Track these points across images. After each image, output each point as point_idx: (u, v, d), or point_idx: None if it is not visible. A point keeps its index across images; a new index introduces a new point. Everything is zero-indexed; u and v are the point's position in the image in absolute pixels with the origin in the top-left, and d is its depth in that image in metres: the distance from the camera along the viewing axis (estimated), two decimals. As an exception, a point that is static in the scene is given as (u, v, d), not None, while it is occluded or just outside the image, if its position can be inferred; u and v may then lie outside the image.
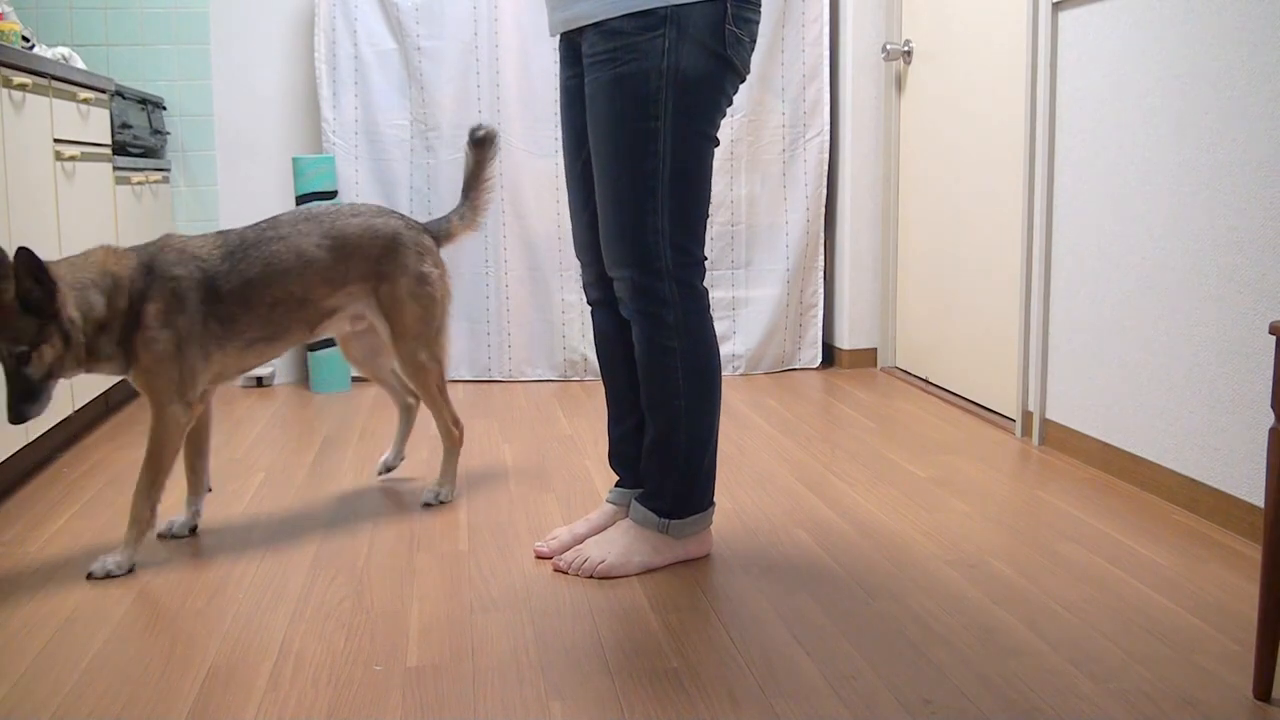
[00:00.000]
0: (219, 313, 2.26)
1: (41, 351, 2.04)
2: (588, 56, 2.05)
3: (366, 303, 2.49)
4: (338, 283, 2.43)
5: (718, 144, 2.10)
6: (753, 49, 2.08)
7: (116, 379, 3.37)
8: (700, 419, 2.12)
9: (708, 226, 2.14)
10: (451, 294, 2.61)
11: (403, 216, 2.56)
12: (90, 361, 2.16)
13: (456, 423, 2.62)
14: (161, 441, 2.21)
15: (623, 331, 2.19)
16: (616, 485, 2.32)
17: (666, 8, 1.95)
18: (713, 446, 2.16)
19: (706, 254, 2.13)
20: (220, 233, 2.35)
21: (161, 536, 2.38)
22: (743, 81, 2.10)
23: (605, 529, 2.23)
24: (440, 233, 2.62)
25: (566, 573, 2.13)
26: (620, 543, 2.14)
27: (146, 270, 2.20)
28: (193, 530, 2.42)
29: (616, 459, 2.32)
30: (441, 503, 2.58)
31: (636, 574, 2.12)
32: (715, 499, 2.21)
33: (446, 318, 2.58)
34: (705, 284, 2.13)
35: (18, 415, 2.05)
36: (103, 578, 2.14)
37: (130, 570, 2.18)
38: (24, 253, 1.97)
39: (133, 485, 2.75)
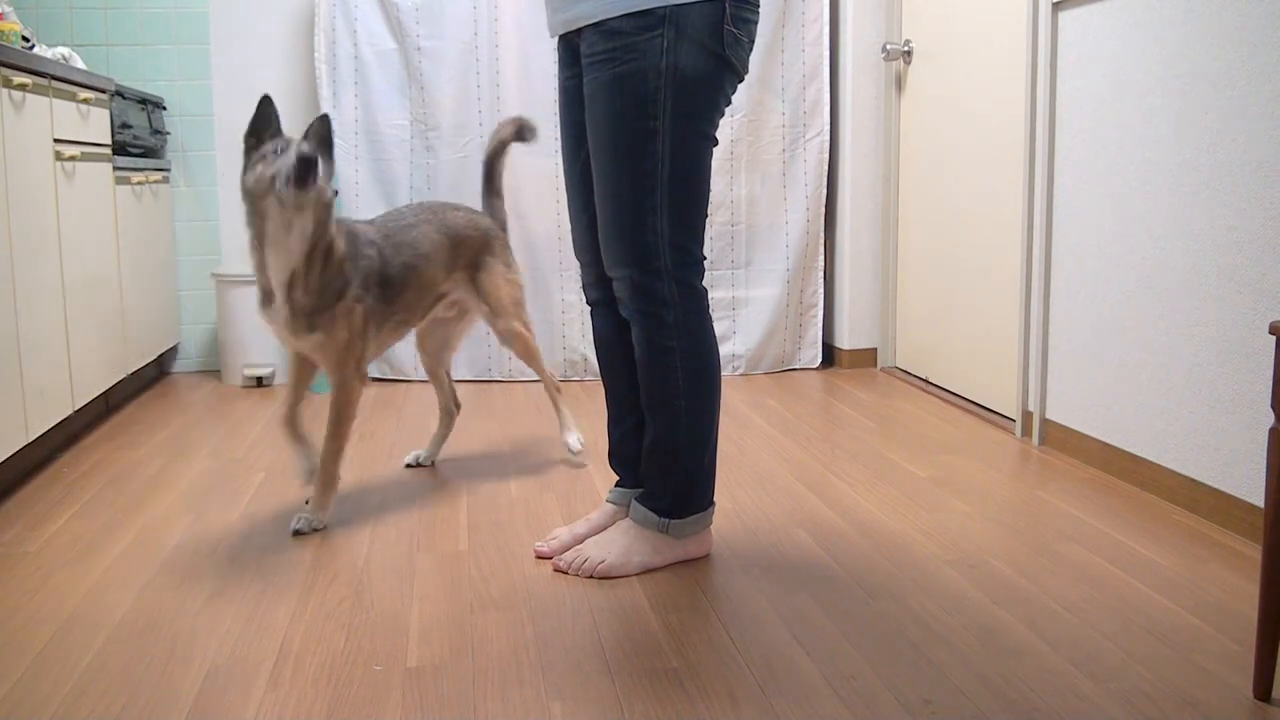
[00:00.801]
0: (384, 294, 2.51)
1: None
2: (586, 57, 2.05)
3: (466, 289, 2.77)
4: (450, 269, 2.71)
5: (716, 144, 2.09)
6: (751, 49, 2.08)
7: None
8: (700, 419, 2.12)
9: (707, 226, 2.14)
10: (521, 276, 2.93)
11: (479, 210, 2.86)
12: (302, 276, 2.34)
13: (556, 386, 2.97)
14: (344, 409, 2.45)
15: (622, 332, 2.19)
16: (616, 485, 2.32)
17: (665, 8, 1.95)
18: (713, 446, 2.16)
19: (706, 254, 2.12)
20: (366, 221, 2.62)
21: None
22: (741, 81, 2.10)
23: (605, 529, 2.23)
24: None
25: (566, 573, 2.13)
26: (620, 543, 2.14)
27: (352, 246, 2.45)
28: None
29: (616, 459, 2.32)
30: (581, 448, 2.90)
31: (636, 574, 2.12)
32: (715, 499, 2.21)
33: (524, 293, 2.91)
34: (705, 284, 2.13)
35: (310, 159, 2.23)
36: (308, 532, 2.39)
37: (323, 528, 2.41)
38: (324, 119, 2.36)
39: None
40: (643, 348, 2.11)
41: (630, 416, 2.26)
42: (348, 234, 2.46)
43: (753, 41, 2.07)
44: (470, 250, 2.75)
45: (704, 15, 1.96)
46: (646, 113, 1.99)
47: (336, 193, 2.47)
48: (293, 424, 2.54)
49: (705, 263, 2.12)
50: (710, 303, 2.15)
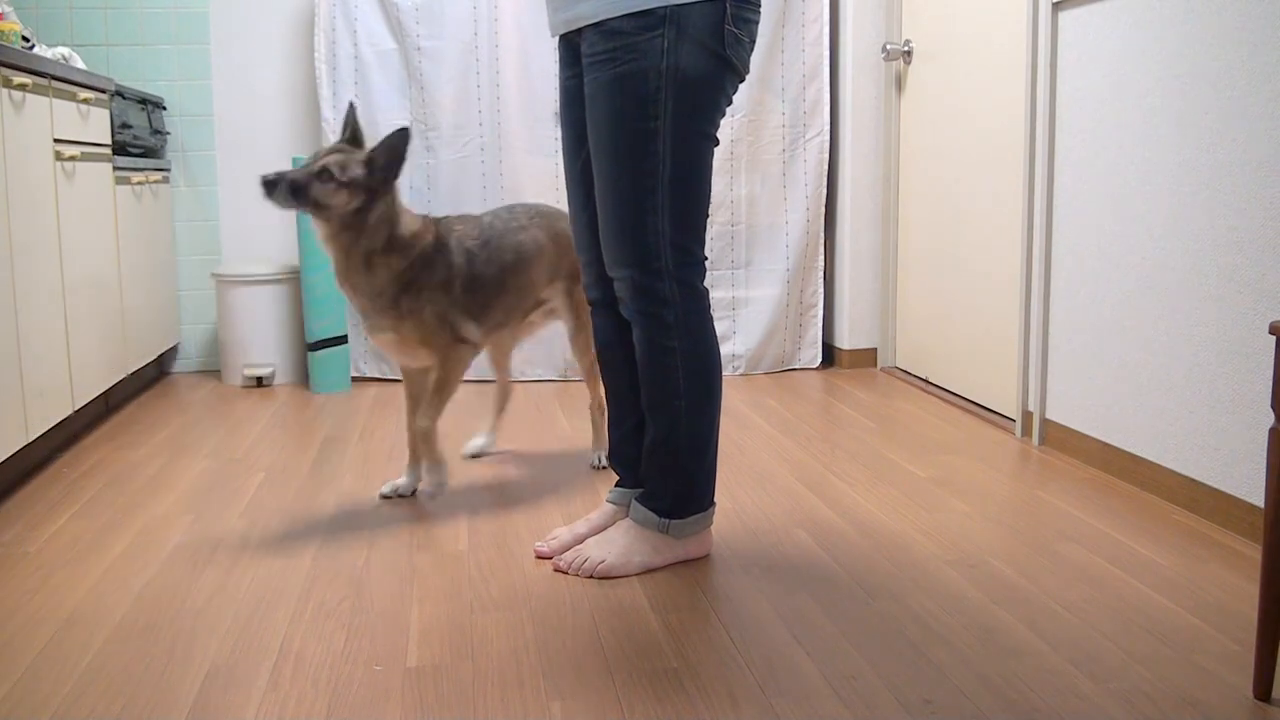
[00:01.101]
0: (473, 297, 2.53)
1: (338, 190, 2.34)
2: (587, 56, 2.05)
3: (562, 299, 2.73)
4: (552, 277, 2.70)
5: (717, 143, 2.09)
6: (752, 49, 2.08)
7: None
8: (701, 419, 2.12)
9: (708, 226, 2.14)
10: None
11: None
12: (363, 273, 2.42)
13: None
14: (445, 375, 2.54)
15: (623, 332, 2.19)
16: (616, 485, 2.32)
17: (666, 8, 1.94)
18: (713, 446, 2.16)
19: (707, 254, 2.12)
20: (475, 217, 2.64)
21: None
22: (742, 81, 2.10)
23: (605, 529, 2.23)
24: None
25: (566, 572, 2.13)
26: (620, 543, 2.14)
27: (436, 250, 2.49)
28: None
29: (617, 459, 2.32)
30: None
31: (636, 574, 2.12)
32: (715, 499, 2.21)
33: None
34: (705, 284, 2.13)
35: (271, 182, 2.32)
36: (434, 495, 2.56)
37: (443, 489, 2.59)
38: (404, 134, 2.38)
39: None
40: (643, 348, 2.11)
41: (630, 417, 2.26)
42: (437, 237, 2.48)
43: (754, 41, 2.07)
44: (573, 261, 2.66)
45: (705, 15, 1.96)
46: (647, 113, 1.99)
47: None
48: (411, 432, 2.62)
49: (706, 263, 2.12)
50: (710, 303, 2.15)
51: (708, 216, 2.12)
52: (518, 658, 1.78)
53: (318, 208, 2.36)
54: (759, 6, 2.06)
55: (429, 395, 2.57)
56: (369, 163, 2.38)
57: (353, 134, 2.46)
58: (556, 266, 2.70)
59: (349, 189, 2.35)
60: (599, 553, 2.13)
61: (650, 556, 2.14)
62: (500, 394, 3.05)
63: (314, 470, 2.88)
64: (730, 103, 2.10)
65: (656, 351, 2.09)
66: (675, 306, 2.07)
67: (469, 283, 2.53)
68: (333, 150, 2.40)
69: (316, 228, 2.43)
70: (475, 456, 2.99)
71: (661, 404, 2.11)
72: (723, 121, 2.11)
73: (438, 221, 2.56)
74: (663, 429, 2.12)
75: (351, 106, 2.52)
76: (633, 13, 1.96)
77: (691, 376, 2.09)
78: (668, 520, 2.13)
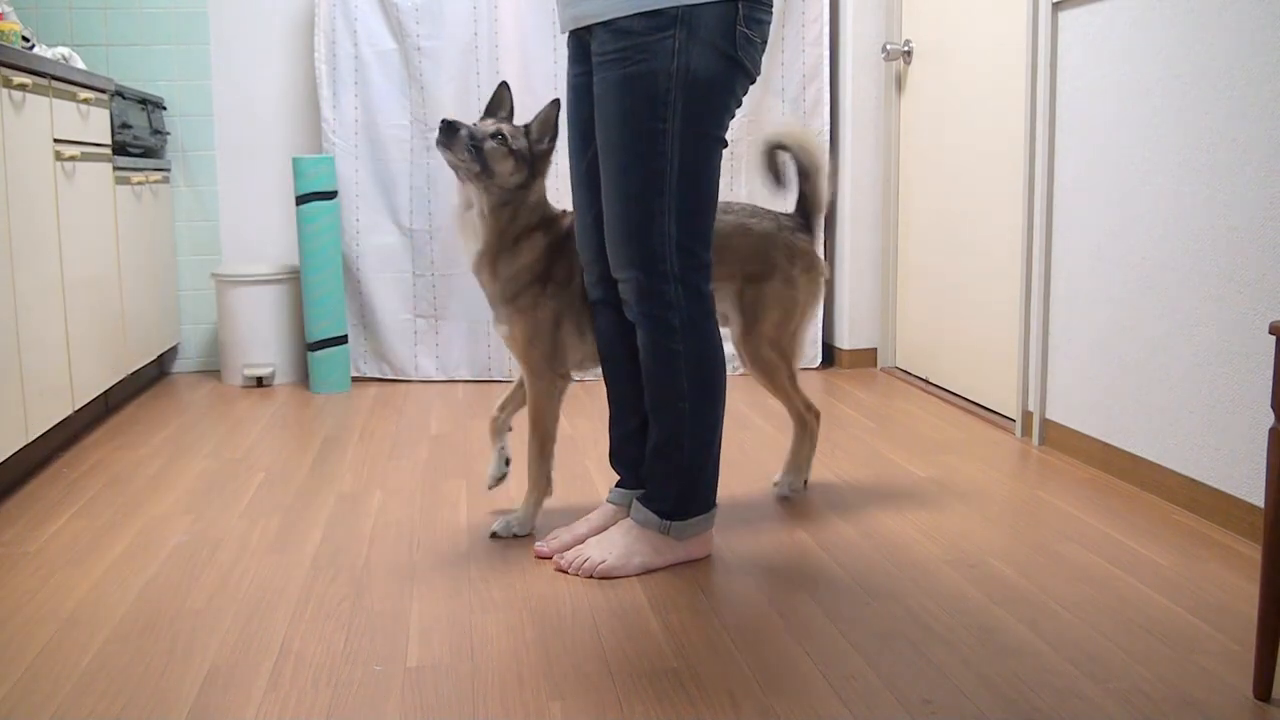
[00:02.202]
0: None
1: (507, 156, 2.21)
2: (597, 55, 2.04)
3: (731, 302, 2.46)
4: None
5: (726, 145, 2.08)
6: (764, 50, 2.06)
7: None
8: (704, 422, 2.12)
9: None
10: (819, 294, 2.54)
11: (777, 216, 2.49)
12: (497, 253, 2.28)
13: (810, 408, 2.59)
14: (534, 409, 2.32)
15: (625, 332, 2.19)
16: (617, 485, 2.32)
17: (677, 8, 1.93)
18: (716, 449, 2.16)
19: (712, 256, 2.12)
20: None
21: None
22: (753, 83, 2.08)
23: (606, 529, 2.23)
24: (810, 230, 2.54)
25: (567, 572, 2.13)
26: (621, 543, 2.14)
27: (567, 241, 2.32)
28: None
29: (618, 459, 2.32)
30: (793, 493, 2.60)
31: (636, 574, 2.12)
32: (717, 499, 2.21)
33: (806, 320, 2.53)
34: (710, 286, 2.12)
35: (453, 127, 2.18)
36: (507, 536, 2.33)
37: (529, 533, 2.35)
38: (555, 104, 2.27)
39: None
40: (648, 350, 2.11)
41: (633, 418, 2.26)
42: (568, 228, 2.33)
43: (765, 42, 2.06)
44: (735, 259, 2.41)
45: (717, 16, 1.95)
46: (656, 114, 1.98)
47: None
48: (494, 421, 2.49)
49: (710, 266, 2.12)
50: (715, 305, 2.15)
51: (715, 219, 2.11)
52: (518, 658, 1.78)
53: (484, 170, 2.22)
54: (770, 7, 2.04)
55: (529, 437, 2.34)
56: (526, 134, 2.27)
57: (509, 113, 2.34)
58: (716, 266, 2.38)
59: (515, 159, 2.23)
60: (599, 553, 2.13)
61: (651, 557, 2.14)
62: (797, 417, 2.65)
63: (314, 470, 2.88)
64: (740, 104, 2.08)
65: (661, 354, 2.09)
66: (680, 310, 2.06)
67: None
68: (498, 120, 2.29)
69: (475, 199, 2.26)
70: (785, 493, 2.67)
71: (665, 406, 2.11)
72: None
73: (568, 212, 2.39)
74: (666, 431, 2.12)
75: (504, 85, 2.36)
76: (643, 12, 1.94)
77: (695, 379, 2.09)
78: (669, 521, 2.13)
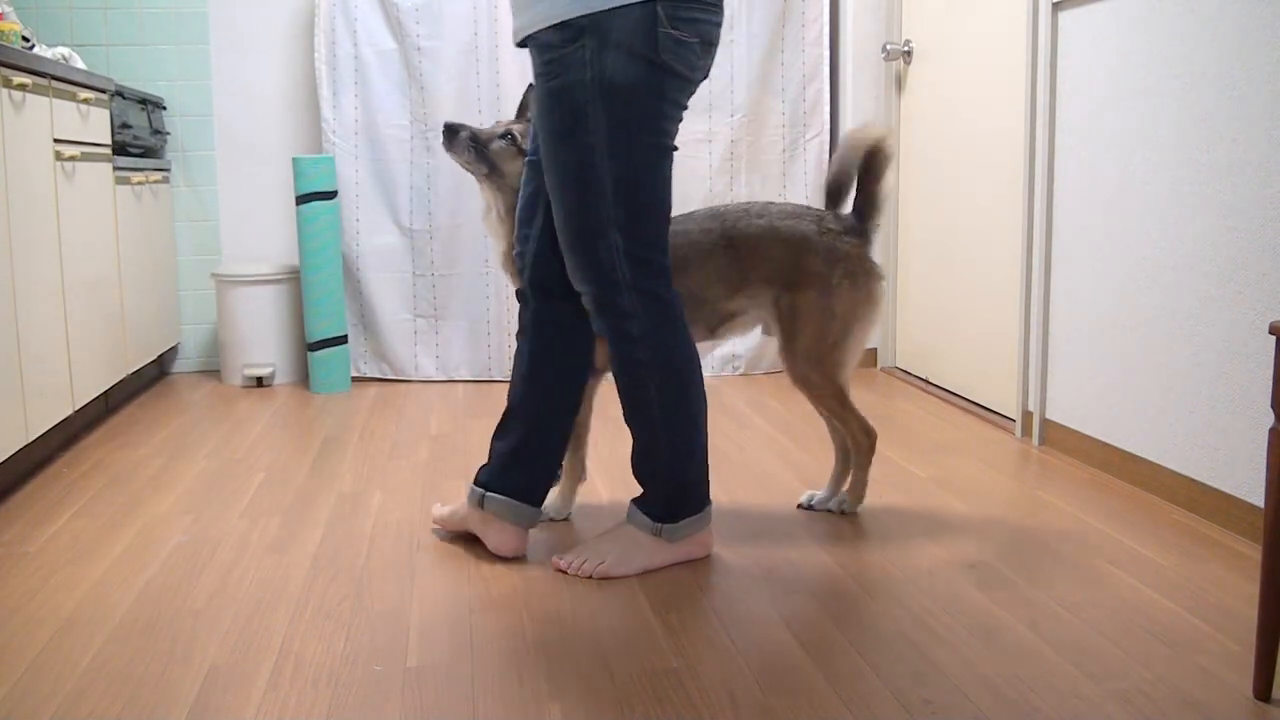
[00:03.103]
0: None
1: (517, 155, 2.24)
2: (533, 69, 2.03)
3: (769, 312, 2.34)
4: (735, 285, 2.32)
5: (675, 149, 2.03)
6: (706, 49, 1.98)
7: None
8: (679, 428, 2.10)
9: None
10: (867, 303, 2.33)
11: (819, 218, 2.34)
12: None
13: (866, 430, 2.41)
14: None
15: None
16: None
17: (585, 17, 1.88)
18: (700, 451, 2.14)
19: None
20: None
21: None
22: (692, 84, 2.01)
23: (610, 529, 2.22)
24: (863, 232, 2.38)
25: (566, 572, 2.13)
26: (619, 545, 2.14)
27: None
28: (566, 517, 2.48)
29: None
30: (844, 513, 2.46)
31: (636, 575, 2.12)
32: (715, 499, 2.20)
33: (849, 333, 2.32)
34: (672, 291, 2.08)
35: (454, 130, 2.26)
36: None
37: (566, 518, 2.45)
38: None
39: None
40: (614, 361, 2.09)
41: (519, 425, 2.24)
42: None
43: (707, 40, 1.97)
44: (769, 264, 2.30)
45: (631, 20, 1.88)
46: (580, 126, 1.94)
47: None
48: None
49: (670, 270, 2.08)
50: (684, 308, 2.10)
51: (670, 224, 2.08)
52: (518, 657, 1.78)
53: (492, 171, 2.23)
54: (710, 3, 1.95)
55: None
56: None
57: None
58: (739, 273, 2.32)
59: (525, 158, 2.21)
60: (599, 554, 2.13)
61: (648, 559, 2.13)
62: (840, 446, 2.51)
63: (314, 470, 2.88)
64: (683, 107, 2.02)
65: (626, 364, 2.07)
66: (639, 318, 2.03)
67: None
68: (516, 120, 2.31)
69: (491, 200, 2.28)
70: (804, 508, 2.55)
71: (638, 414, 2.10)
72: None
73: None
74: (644, 438, 2.12)
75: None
76: (554, 25, 1.92)
77: (664, 386, 2.06)
78: (660, 525, 2.13)
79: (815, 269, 2.29)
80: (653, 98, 1.95)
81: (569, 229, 2.03)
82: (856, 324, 2.33)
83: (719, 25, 2.01)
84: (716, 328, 2.37)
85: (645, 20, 1.88)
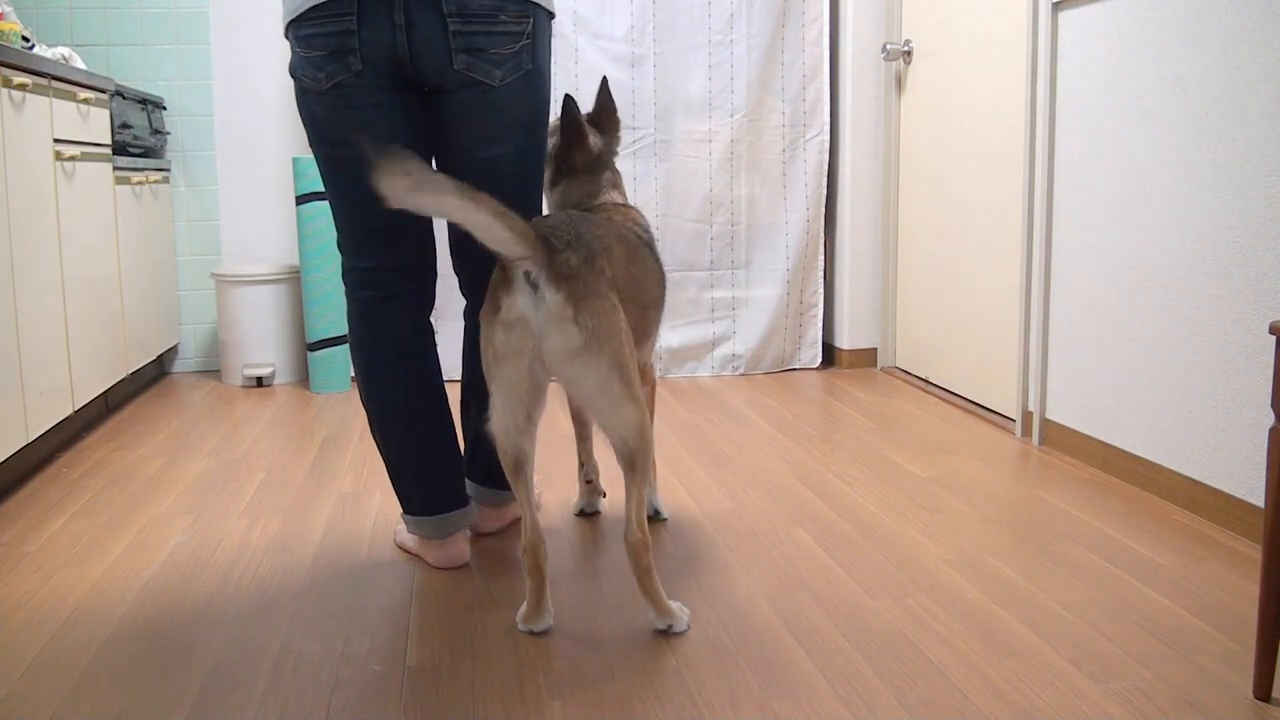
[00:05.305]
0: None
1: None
2: None
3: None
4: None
5: (349, 159, 1.97)
6: (326, 60, 1.94)
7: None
8: (374, 419, 2.20)
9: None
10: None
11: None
12: None
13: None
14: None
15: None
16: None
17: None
18: (392, 453, 2.19)
19: (399, 262, 2.13)
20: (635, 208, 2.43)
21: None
22: (319, 90, 1.98)
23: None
24: None
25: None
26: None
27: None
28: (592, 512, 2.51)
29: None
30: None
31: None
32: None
33: None
34: (369, 292, 2.14)
35: None
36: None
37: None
38: (603, 82, 2.31)
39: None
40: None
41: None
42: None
43: (326, 52, 1.94)
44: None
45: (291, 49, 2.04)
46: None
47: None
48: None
49: (372, 273, 2.12)
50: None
51: (364, 228, 2.09)
52: (518, 658, 1.78)
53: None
54: (318, 18, 1.92)
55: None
56: (591, 121, 2.24)
57: (598, 109, 2.29)
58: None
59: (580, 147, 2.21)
60: None
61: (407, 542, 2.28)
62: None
63: (314, 470, 2.88)
64: (335, 118, 2.00)
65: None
66: (348, 309, 2.19)
67: (661, 280, 2.20)
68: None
69: (545, 195, 2.25)
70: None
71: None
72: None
73: (631, 208, 2.29)
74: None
75: (604, 80, 2.33)
76: None
77: (359, 379, 2.21)
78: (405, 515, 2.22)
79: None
80: (302, 112, 2.08)
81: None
82: None
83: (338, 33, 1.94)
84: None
85: (292, 46, 2.05)
